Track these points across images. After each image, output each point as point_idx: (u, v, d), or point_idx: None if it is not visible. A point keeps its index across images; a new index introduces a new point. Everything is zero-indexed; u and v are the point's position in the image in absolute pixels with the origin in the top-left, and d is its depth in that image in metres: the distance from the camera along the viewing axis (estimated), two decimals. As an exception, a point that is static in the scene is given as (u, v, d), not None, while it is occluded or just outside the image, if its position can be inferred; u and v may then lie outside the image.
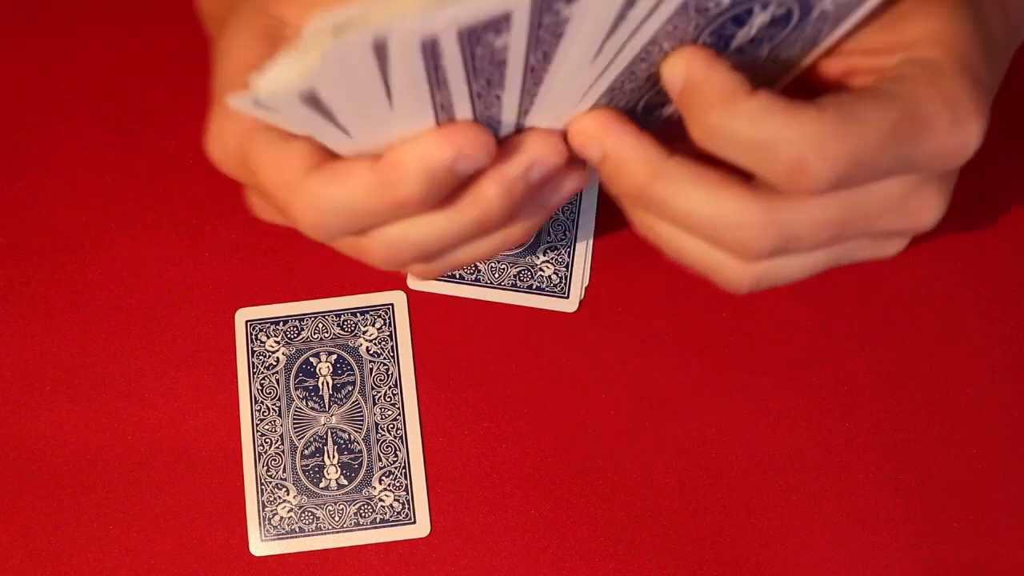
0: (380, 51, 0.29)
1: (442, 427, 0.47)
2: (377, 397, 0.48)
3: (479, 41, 0.29)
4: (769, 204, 0.32)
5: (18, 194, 0.49)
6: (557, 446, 0.47)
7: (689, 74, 0.32)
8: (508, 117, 0.33)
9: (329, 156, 0.33)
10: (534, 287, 0.49)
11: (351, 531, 0.46)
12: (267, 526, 0.46)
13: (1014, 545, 0.47)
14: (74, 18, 0.50)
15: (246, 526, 0.46)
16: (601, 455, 0.47)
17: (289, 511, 0.46)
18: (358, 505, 0.46)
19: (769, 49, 0.34)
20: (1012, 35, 0.39)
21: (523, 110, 0.33)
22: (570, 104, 0.34)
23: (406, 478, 0.47)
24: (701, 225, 0.33)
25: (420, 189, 0.32)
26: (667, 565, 0.46)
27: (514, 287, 0.49)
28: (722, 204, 0.32)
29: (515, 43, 0.30)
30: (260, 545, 0.46)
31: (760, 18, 0.32)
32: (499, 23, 0.29)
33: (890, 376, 0.48)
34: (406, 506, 0.46)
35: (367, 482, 0.47)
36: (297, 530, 0.46)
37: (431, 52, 0.29)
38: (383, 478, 0.47)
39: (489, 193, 0.33)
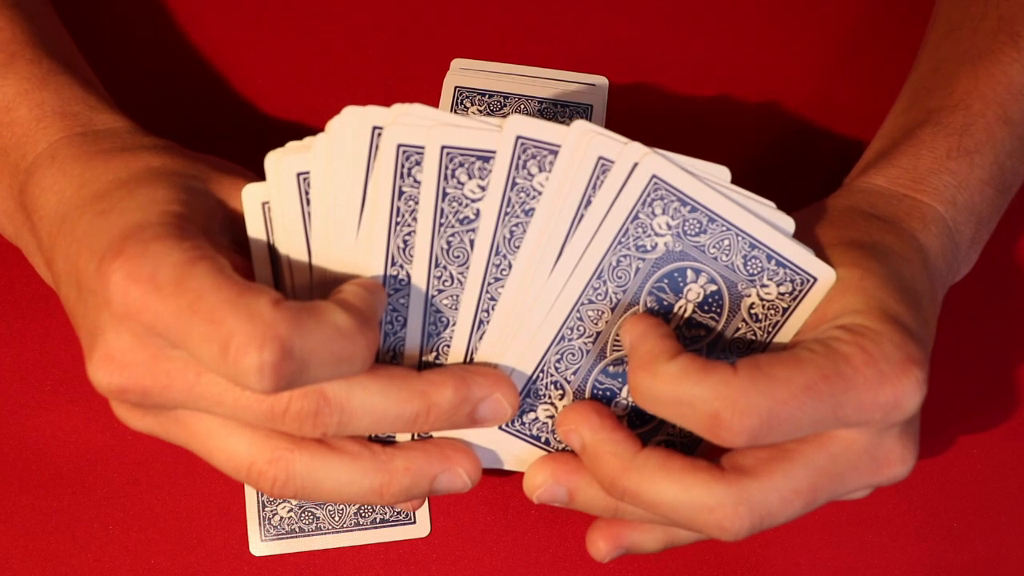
0: (374, 139, 0.35)
1: (442, 427, 0.47)
2: (377, 397, 0.47)
3: (453, 174, 0.35)
4: (736, 485, 0.35)
5: (18, 194, 0.49)
6: (557, 446, 0.47)
7: (631, 337, 0.36)
8: (464, 320, 0.37)
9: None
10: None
11: (351, 531, 0.46)
12: (267, 526, 0.46)
13: (1014, 545, 0.47)
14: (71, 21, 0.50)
15: (246, 526, 0.46)
16: (601, 455, 0.47)
17: (289, 511, 0.46)
18: (358, 505, 0.46)
19: (714, 339, 0.38)
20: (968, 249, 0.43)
21: (479, 319, 0.37)
22: (522, 340, 0.37)
23: (406, 478, 0.47)
24: (675, 512, 0.35)
25: (376, 336, 0.34)
26: (667, 565, 0.46)
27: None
28: (691, 490, 0.35)
29: (489, 198, 0.35)
30: (260, 545, 0.46)
31: (694, 289, 0.37)
32: (479, 159, 0.35)
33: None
34: (406, 506, 0.46)
35: (367, 482, 0.47)
36: (297, 530, 0.46)
37: (408, 162, 0.35)
38: (383, 478, 0.47)
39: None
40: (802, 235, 0.38)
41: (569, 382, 0.38)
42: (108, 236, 0.34)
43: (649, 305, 0.37)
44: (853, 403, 0.34)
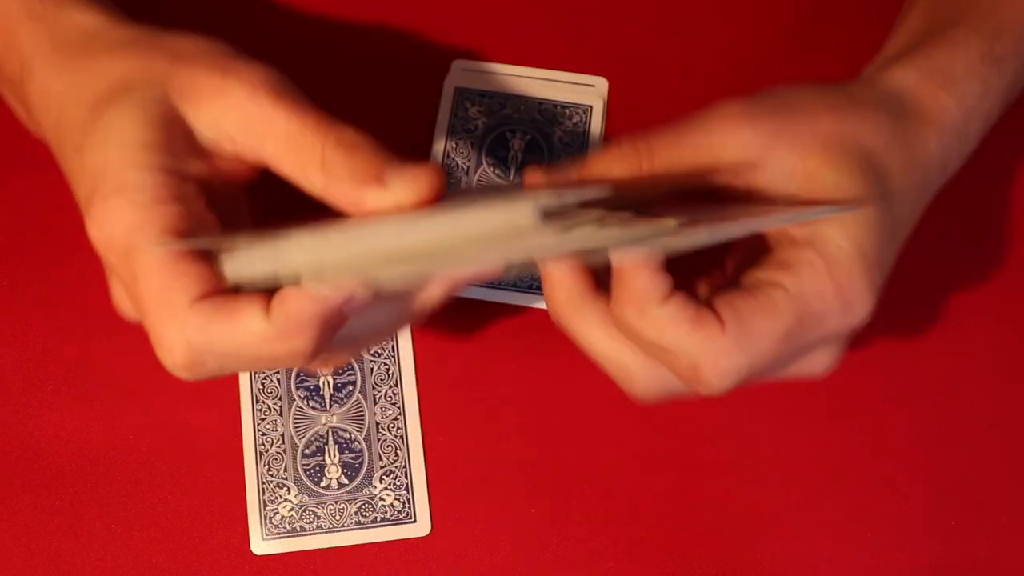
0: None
1: (442, 426, 0.47)
2: (378, 396, 0.48)
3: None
4: (653, 367, 0.37)
5: (18, 194, 0.49)
6: (557, 446, 0.47)
7: (624, 266, 0.35)
8: None
9: (218, 287, 0.35)
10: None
11: (352, 530, 0.46)
12: (268, 525, 0.46)
13: (1014, 545, 0.47)
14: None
15: (247, 525, 0.46)
16: (601, 455, 0.47)
17: (290, 510, 0.46)
18: (359, 504, 0.46)
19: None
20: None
21: None
22: None
23: (407, 477, 0.47)
24: (598, 358, 0.38)
25: (312, 341, 0.34)
26: (667, 565, 0.46)
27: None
28: (612, 350, 0.37)
29: None
30: (261, 544, 0.46)
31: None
32: None
33: (890, 376, 0.48)
34: (406, 505, 0.46)
35: (368, 481, 0.47)
36: (298, 529, 0.46)
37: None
38: (384, 477, 0.47)
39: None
40: (825, 113, 0.38)
41: None
42: (83, 187, 0.36)
43: None
44: (819, 334, 0.36)
